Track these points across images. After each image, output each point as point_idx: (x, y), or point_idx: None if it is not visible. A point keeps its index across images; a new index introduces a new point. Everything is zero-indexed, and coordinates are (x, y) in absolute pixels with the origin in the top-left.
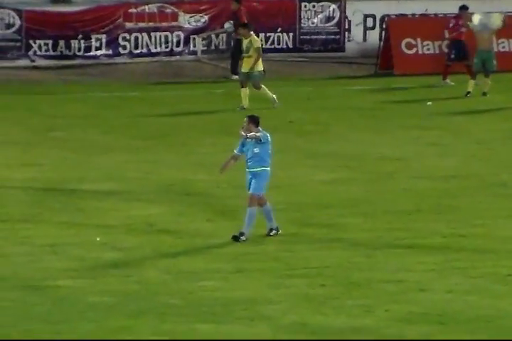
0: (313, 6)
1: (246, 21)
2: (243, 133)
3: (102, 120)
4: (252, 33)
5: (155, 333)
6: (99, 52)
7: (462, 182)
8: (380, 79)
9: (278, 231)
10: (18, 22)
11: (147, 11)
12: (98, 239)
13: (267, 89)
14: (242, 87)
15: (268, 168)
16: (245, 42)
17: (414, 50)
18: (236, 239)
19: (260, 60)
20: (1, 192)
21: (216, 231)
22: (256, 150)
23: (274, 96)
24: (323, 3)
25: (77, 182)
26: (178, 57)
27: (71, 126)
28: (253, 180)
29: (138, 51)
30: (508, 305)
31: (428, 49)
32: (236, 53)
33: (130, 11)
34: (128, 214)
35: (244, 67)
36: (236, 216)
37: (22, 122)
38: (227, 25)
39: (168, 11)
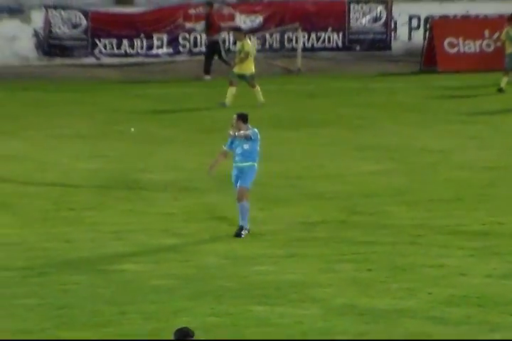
0: (362, 8)
1: (216, 23)
2: (231, 132)
3: (162, 114)
4: (246, 36)
5: (212, 314)
6: (160, 51)
7: (501, 172)
8: (424, 76)
9: (248, 231)
10: (84, 22)
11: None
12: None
13: (259, 90)
14: (231, 86)
15: (256, 164)
16: (238, 45)
17: (456, 49)
18: (238, 235)
19: (251, 62)
20: (69, 182)
21: (269, 219)
22: (245, 146)
23: (262, 99)
24: (370, 4)
25: (139, 173)
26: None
27: (134, 120)
28: (241, 175)
29: (197, 50)
30: None
31: (469, 48)
32: (209, 54)
33: (189, 11)
34: (187, 202)
35: (236, 69)
36: (288, 204)
37: (89, 117)
38: (199, 26)
39: (225, 11)
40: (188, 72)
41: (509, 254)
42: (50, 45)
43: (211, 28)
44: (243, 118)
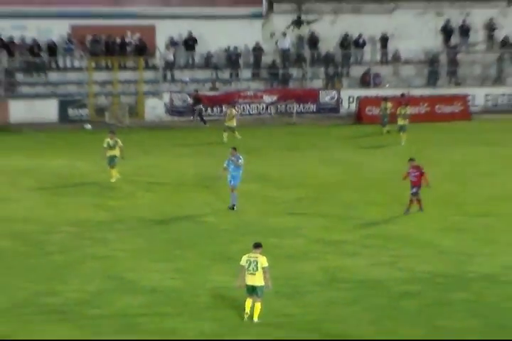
0: (325, 92)
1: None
2: (230, 157)
3: None
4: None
5: None
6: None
7: None
8: (356, 126)
9: (234, 208)
10: (189, 99)
11: None
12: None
13: (238, 135)
14: (224, 132)
15: (241, 173)
16: (229, 111)
17: (371, 113)
18: (232, 208)
19: (235, 121)
20: None
21: None
22: (239, 163)
23: (239, 136)
24: (329, 90)
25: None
26: None
27: None
28: (233, 179)
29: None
30: None
31: (376, 112)
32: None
33: (242, 94)
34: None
35: (227, 123)
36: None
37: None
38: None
39: (258, 93)
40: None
41: None
42: (172, 110)
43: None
44: (235, 149)
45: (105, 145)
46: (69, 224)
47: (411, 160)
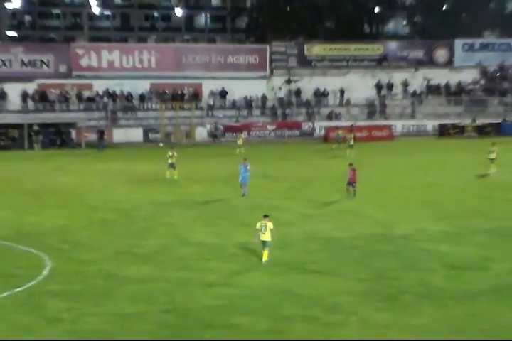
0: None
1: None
2: (243, 163)
3: None
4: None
5: None
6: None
7: None
8: (325, 144)
9: (245, 195)
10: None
11: None
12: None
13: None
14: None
15: (249, 175)
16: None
17: (335, 134)
18: (243, 195)
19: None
20: None
21: None
22: (247, 168)
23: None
24: (308, 122)
25: None
26: None
27: None
28: (243, 179)
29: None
30: None
31: (340, 135)
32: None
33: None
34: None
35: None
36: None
37: None
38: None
39: (259, 123)
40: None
41: None
42: (211, 135)
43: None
44: (245, 159)
45: (168, 155)
46: (149, 204)
47: (350, 165)
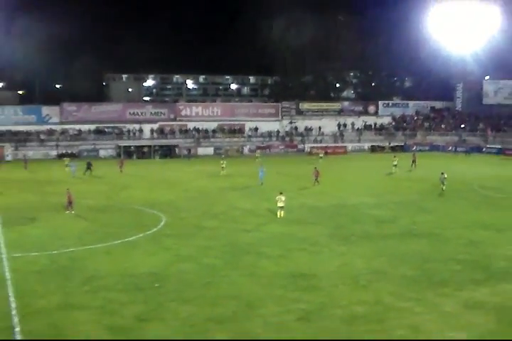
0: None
1: None
2: (260, 167)
3: None
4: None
5: None
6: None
7: None
8: (310, 156)
9: (262, 184)
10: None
11: None
12: None
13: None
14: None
15: (265, 171)
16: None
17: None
18: (262, 184)
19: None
20: None
21: None
22: (263, 170)
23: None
24: (296, 138)
25: None
26: None
27: None
28: (261, 176)
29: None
30: None
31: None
32: None
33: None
34: None
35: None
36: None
37: None
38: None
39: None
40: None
41: None
42: (249, 150)
43: None
44: (262, 164)
45: (221, 163)
46: (215, 188)
47: (315, 168)
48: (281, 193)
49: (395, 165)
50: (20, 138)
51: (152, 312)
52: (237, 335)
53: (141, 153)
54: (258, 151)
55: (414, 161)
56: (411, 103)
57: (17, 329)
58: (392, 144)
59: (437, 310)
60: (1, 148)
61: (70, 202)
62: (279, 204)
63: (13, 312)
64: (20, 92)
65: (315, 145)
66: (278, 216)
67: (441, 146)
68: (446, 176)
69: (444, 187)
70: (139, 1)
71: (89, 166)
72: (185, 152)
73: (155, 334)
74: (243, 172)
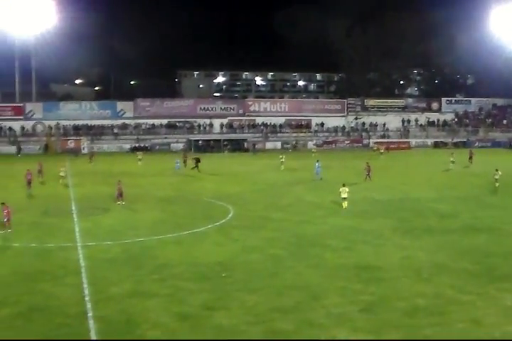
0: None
1: None
2: (317, 162)
3: None
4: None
5: None
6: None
7: None
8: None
9: (321, 178)
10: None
11: None
12: None
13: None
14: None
15: (321, 167)
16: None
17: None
18: (321, 179)
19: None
20: None
21: None
22: (319, 165)
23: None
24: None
25: None
26: None
27: None
28: (318, 172)
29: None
30: None
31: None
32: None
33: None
34: None
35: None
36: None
37: None
38: None
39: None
40: None
41: None
42: (316, 145)
43: None
44: (318, 160)
45: (280, 157)
46: (281, 181)
47: (367, 163)
48: (344, 185)
49: (453, 162)
50: (95, 132)
51: (219, 300)
52: (301, 325)
53: (210, 147)
54: (314, 147)
55: (471, 157)
56: (473, 100)
57: (89, 314)
58: (454, 140)
59: (498, 304)
60: (78, 141)
61: (120, 194)
62: (343, 196)
63: (87, 298)
64: (96, 88)
65: (379, 140)
66: (343, 207)
67: (503, 142)
68: (500, 173)
69: (497, 184)
70: (211, 4)
71: (197, 162)
72: (252, 146)
73: (220, 322)
74: (308, 166)
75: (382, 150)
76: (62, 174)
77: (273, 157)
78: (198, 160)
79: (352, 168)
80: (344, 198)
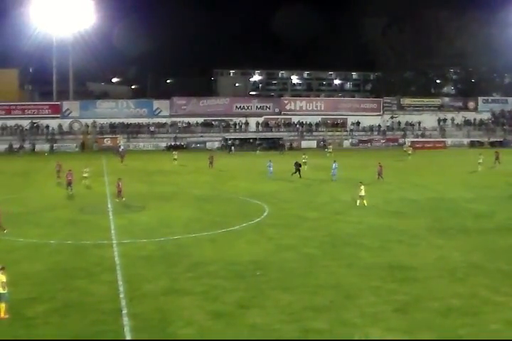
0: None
1: None
2: (334, 163)
3: None
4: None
5: None
6: None
7: None
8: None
9: (335, 179)
10: None
11: None
12: None
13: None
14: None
15: (337, 168)
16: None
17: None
18: (334, 180)
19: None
20: None
21: None
22: (336, 165)
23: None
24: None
25: None
26: None
27: None
28: (334, 172)
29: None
30: None
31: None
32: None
33: None
34: None
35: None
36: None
37: None
38: None
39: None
40: None
41: None
42: (351, 144)
43: None
44: (335, 161)
45: (302, 157)
46: (314, 180)
47: (379, 163)
48: (361, 182)
49: (480, 163)
50: (132, 130)
51: (253, 299)
52: (334, 324)
53: (245, 145)
54: (330, 146)
55: (497, 158)
56: (510, 99)
57: (124, 311)
58: (491, 140)
59: None
60: (114, 140)
61: (119, 191)
62: (360, 194)
63: (121, 295)
64: (133, 87)
65: (415, 139)
66: (357, 204)
67: None
68: None
69: None
70: (248, 4)
71: (297, 167)
72: (280, 146)
73: (254, 320)
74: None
75: (410, 152)
76: (85, 175)
77: (310, 156)
78: (299, 165)
79: (387, 167)
80: (361, 196)
